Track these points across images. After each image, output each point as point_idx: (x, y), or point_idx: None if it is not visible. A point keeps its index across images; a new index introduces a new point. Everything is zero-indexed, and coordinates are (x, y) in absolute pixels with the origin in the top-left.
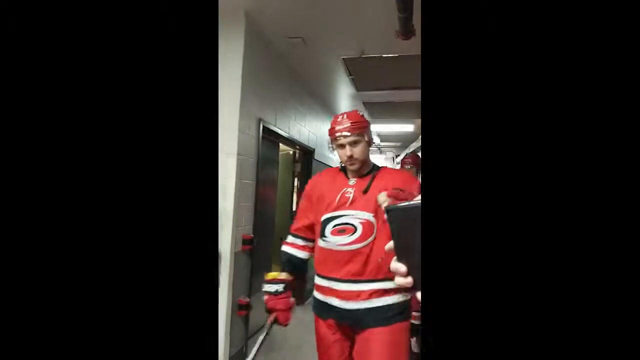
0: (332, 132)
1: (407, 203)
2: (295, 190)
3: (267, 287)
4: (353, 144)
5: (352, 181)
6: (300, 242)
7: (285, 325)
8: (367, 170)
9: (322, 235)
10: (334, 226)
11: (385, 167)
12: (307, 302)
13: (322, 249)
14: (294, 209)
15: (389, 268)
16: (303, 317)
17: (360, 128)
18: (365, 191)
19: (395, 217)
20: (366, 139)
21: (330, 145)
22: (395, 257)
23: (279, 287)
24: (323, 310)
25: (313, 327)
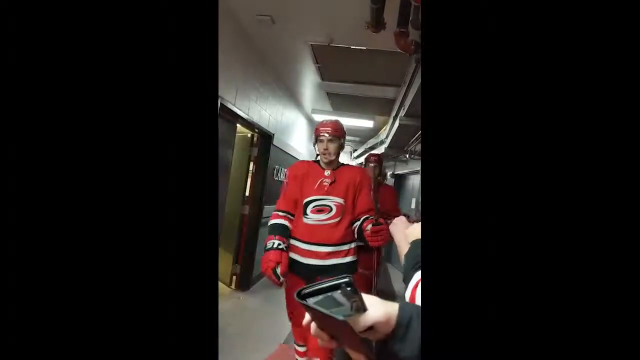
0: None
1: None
2: (250, 175)
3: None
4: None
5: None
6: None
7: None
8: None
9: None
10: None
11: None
12: (252, 288)
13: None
14: (246, 194)
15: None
16: (247, 305)
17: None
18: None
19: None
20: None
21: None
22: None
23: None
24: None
25: (256, 315)
